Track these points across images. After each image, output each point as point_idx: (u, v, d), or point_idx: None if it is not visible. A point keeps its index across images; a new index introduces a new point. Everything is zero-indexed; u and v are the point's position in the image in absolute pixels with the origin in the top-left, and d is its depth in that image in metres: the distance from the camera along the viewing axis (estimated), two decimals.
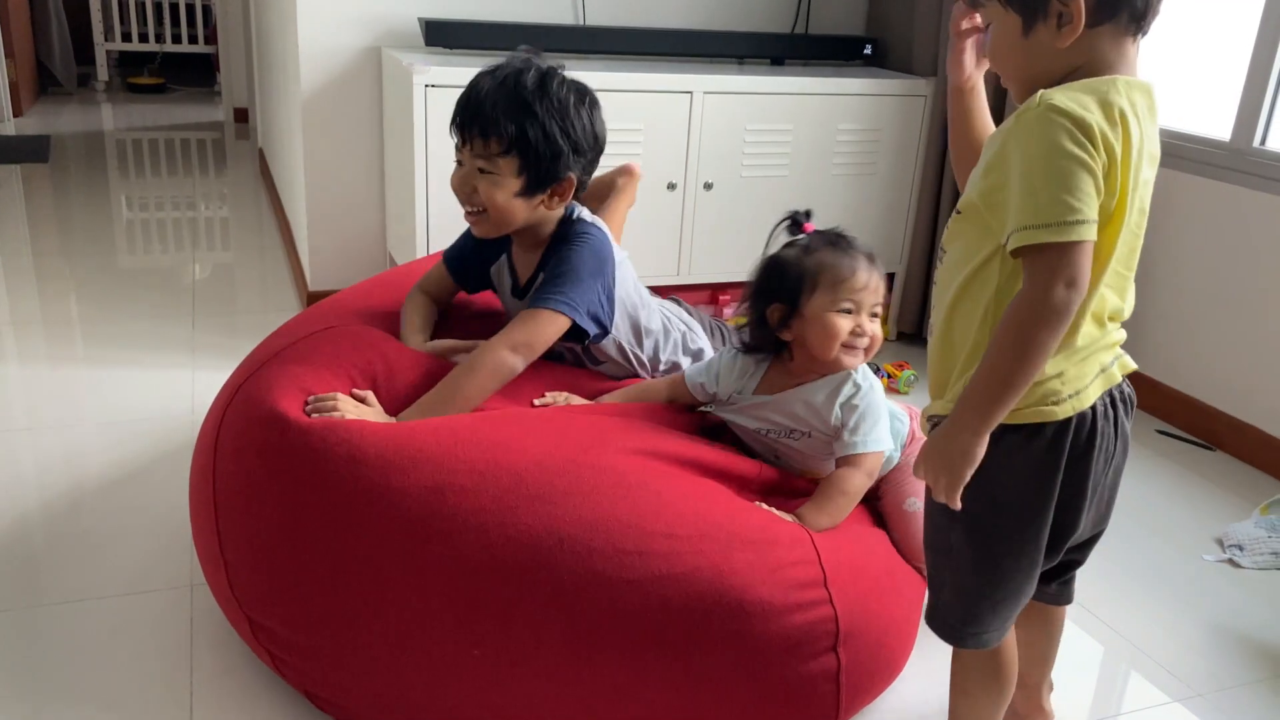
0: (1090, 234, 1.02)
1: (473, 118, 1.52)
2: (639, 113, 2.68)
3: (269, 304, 3.13)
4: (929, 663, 1.66)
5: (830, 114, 2.87)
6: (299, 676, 1.44)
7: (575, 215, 1.66)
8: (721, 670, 1.33)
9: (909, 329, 3.15)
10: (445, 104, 2.50)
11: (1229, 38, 2.53)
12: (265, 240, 3.78)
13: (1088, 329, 1.14)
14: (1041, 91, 1.06)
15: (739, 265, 2.93)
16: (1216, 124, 2.55)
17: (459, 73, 2.49)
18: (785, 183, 2.89)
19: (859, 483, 1.52)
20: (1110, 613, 1.86)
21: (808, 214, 1.59)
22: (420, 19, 2.74)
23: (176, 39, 6.96)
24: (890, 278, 3.15)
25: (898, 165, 3.02)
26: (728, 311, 2.94)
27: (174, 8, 6.88)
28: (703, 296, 2.97)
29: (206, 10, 6.92)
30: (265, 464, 1.42)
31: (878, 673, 1.47)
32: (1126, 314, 1.19)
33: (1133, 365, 1.23)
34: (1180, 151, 2.61)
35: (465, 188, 1.56)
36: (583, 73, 2.62)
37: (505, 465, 1.37)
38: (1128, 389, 1.22)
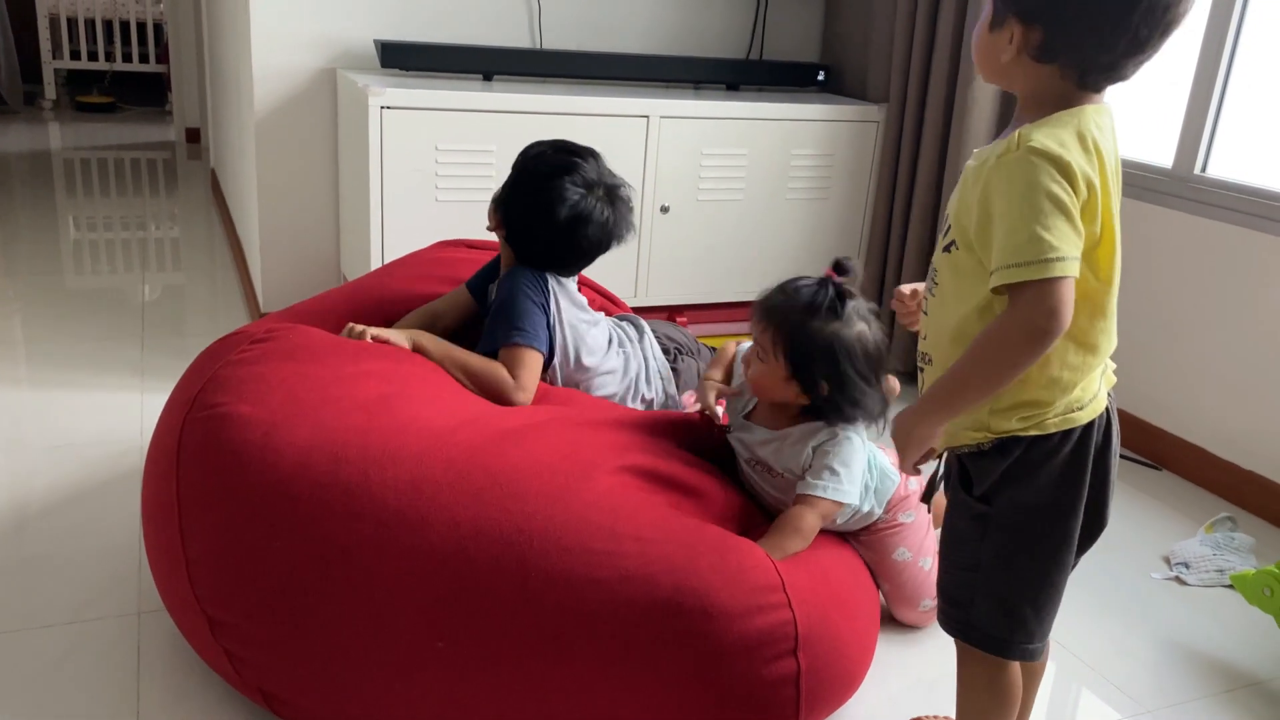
0: (1069, 269, 1.06)
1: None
2: (596, 136, 2.69)
3: (220, 325, 3.08)
4: (887, 686, 1.68)
5: (785, 139, 2.90)
6: (258, 675, 1.42)
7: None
8: (683, 670, 1.35)
9: None
10: (401, 126, 2.49)
11: (1170, 66, 2.60)
12: (216, 261, 3.73)
13: (1105, 343, 1.19)
14: (1020, 131, 1.10)
15: (695, 288, 2.95)
16: (1159, 151, 2.62)
17: (415, 95, 2.49)
18: (741, 206, 2.92)
19: (810, 523, 1.54)
20: (1061, 630, 1.89)
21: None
22: (376, 41, 2.73)
23: (127, 58, 6.87)
24: None
25: (851, 190, 3.06)
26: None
27: (124, 26, 6.80)
28: (659, 318, 2.98)
29: (158, 29, 6.84)
30: (236, 459, 1.42)
31: (837, 681, 1.49)
32: None
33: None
34: (1125, 178, 2.66)
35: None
36: (540, 96, 2.64)
37: (482, 465, 1.41)
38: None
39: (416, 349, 1.73)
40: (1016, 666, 1.33)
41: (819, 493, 1.54)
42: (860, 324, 1.53)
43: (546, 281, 1.79)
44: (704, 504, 1.56)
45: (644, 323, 2.07)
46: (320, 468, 1.39)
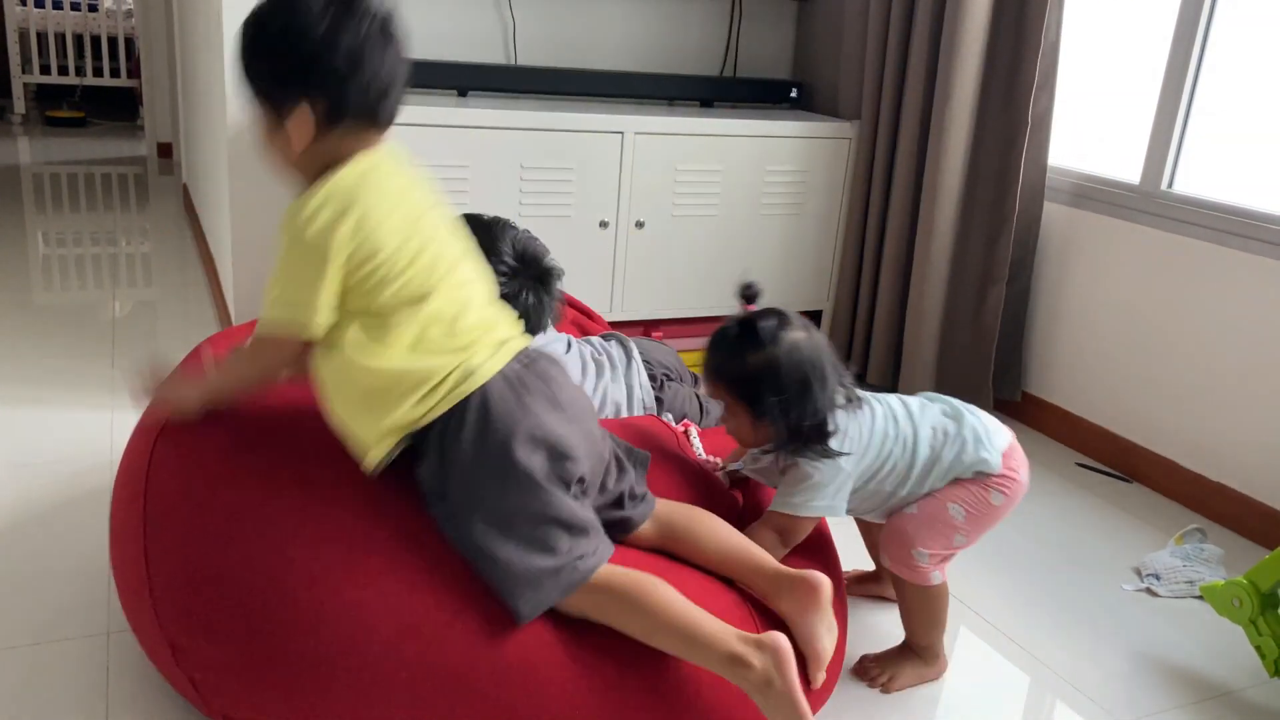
0: (303, 319, 1.25)
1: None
2: (571, 152, 2.70)
3: (192, 342, 3.05)
4: (850, 686, 1.68)
5: (758, 155, 2.92)
6: (222, 701, 1.40)
7: None
8: (650, 686, 1.35)
9: None
10: None
11: (1138, 82, 2.64)
12: (188, 276, 3.70)
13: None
14: (297, 201, 1.26)
15: (670, 302, 2.96)
16: (1126, 167, 2.66)
17: None
18: (715, 222, 2.93)
19: (765, 539, 1.55)
20: (1033, 642, 1.90)
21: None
22: None
23: (98, 72, 6.82)
24: (817, 315, 3.21)
25: (824, 205, 3.08)
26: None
27: (95, 40, 6.75)
28: (634, 332, 2.98)
29: (129, 43, 6.80)
30: (206, 484, 1.41)
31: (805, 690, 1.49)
32: (499, 326, 1.39)
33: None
34: (1092, 193, 2.70)
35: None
36: (515, 112, 2.65)
37: None
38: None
39: None
40: None
41: (775, 506, 1.58)
42: (791, 335, 1.53)
43: None
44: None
45: (632, 345, 2.03)
46: (289, 493, 1.38)
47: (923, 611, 1.68)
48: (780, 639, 1.29)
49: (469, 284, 1.37)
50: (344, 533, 1.35)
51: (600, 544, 1.35)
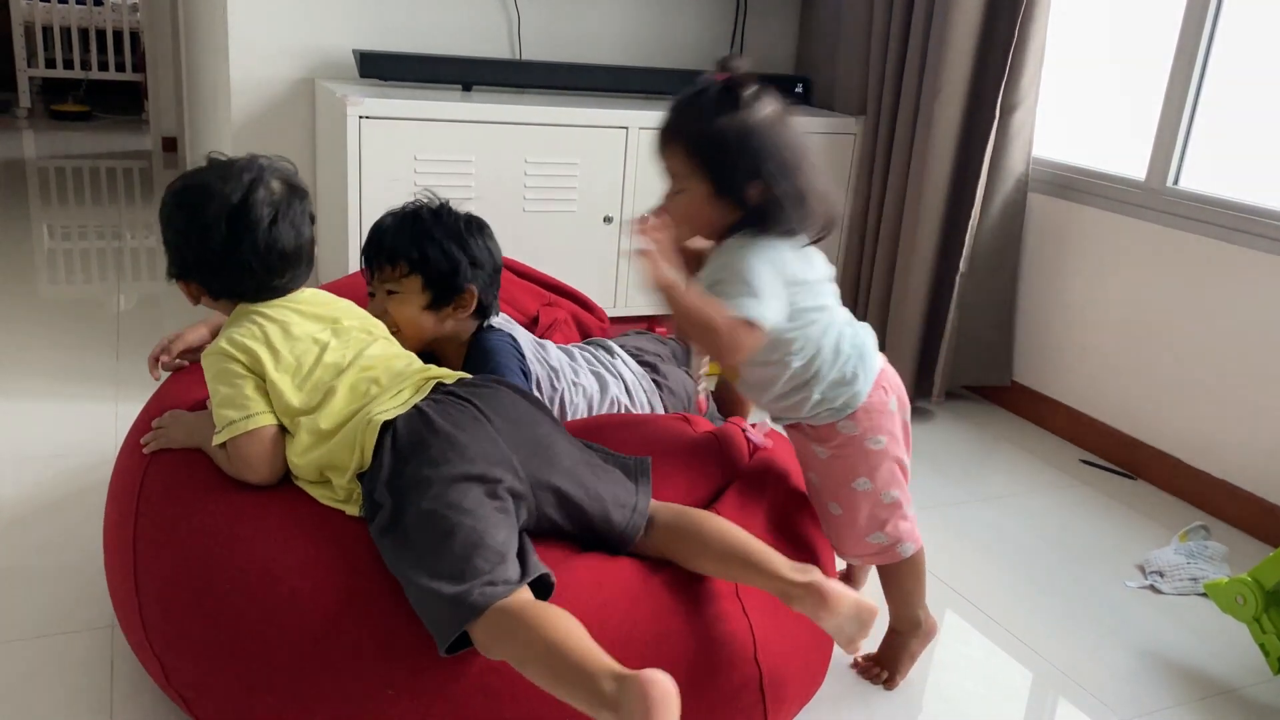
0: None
1: (377, 249, 1.71)
2: (575, 147, 2.70)
3: None
4: (851, 682, 1.68)
5: None
6: (212, 718, 1.40)
7: (487, 324, 1.79)
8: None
9: None
10: (379, 135, 2.49)
11: (1144, 77, 2.63)
12: None
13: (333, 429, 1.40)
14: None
15: None
16: (1131, 163, 2.65)
17: (393, 104, 2.49)
18: None
19: (697, 308, 1.36)
20: (1036, 639, 1.90)
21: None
22: (355, 51, 2.73)
23: (103, 66, 6.82)
24: None
25: None
26: None
27: (100, 34, 6.75)
28: (639, 328, 2.98)
29: (134, 37, 6.80)
30: (196, 502, 1.41)
31: (799, 678, 1.50)
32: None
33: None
34: (1097, 189, 2.70)
35: (376, 311, 1.67)
36: (519, 107, 2.65)
37: None
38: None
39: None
40: None
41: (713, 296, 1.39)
42: (768, 107, 1.39)
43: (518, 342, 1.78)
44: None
45: (611, 343, 2.03)
46: (276, 513, 1.38)
47: (904, 582, 1.64)
48: (654, 683, 1.08)
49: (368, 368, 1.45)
50: (330, 553, 1.33)
51: (510, 572, 1.22)
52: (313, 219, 1.50)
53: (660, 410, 1.93)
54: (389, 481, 1.31)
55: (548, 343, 1.90)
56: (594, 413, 1.83)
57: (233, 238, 1.41)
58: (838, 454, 1.56)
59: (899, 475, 1.59)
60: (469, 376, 1.47)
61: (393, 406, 1.37)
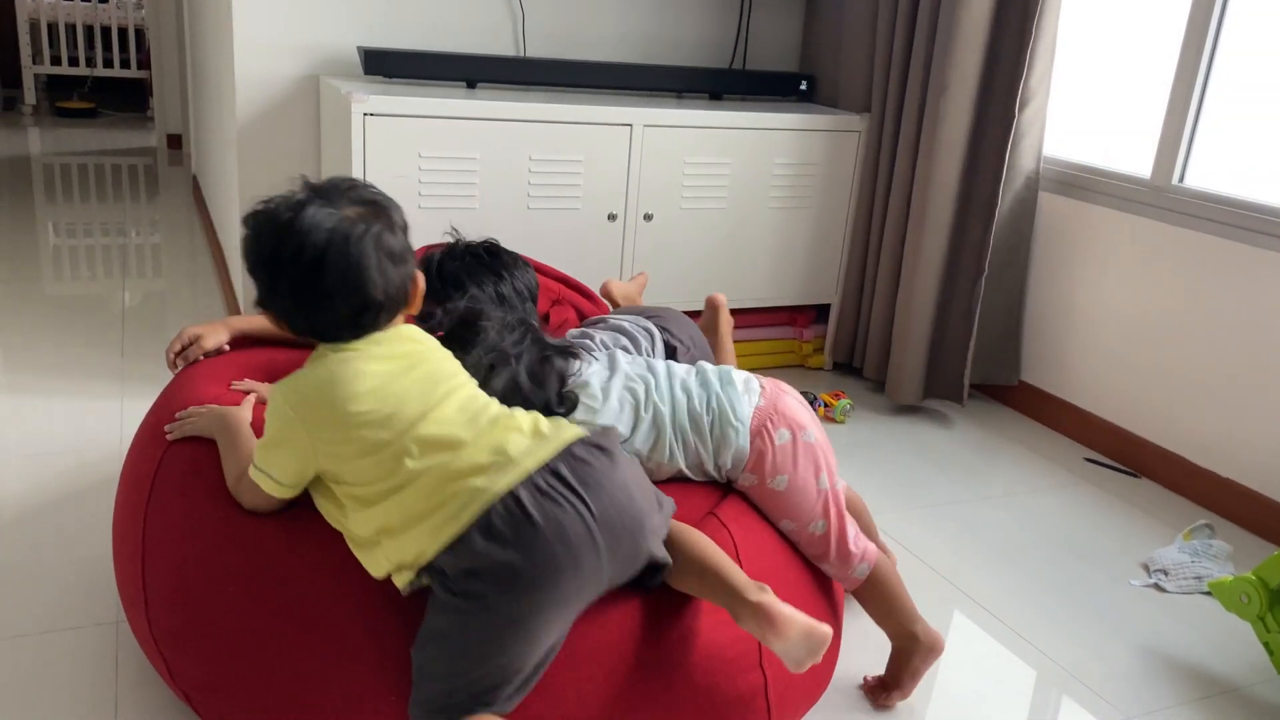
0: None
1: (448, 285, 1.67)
2: (580, 144, 2.70)
3: None
4: (854, 681, 1.68)
5: (767, 148, 2.91)
6: (217, 718, 1.40)
7: None
8: (654, 697, 1.34)
9: (843, 359, 3.19)
10: (384, 133, 2.49)
11: (1150, 75, 2.62)
12: (198, 267, 3.72)
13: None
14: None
15: (678, 295, 2.96)
16: (1137, 161, 2.64)
17: (398, 102, 2.49)
18: (723, 215, 2.93)
19: None
20: (1040, 637, 1.90)
21: None
22: (359, 48, 2.73)
23: (108, 63, 6.83)
24: (825, 309, 3.21)
25: (832, 198, 3.07)
26: None
27: (105, 31, 6.76)
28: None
29: (139, 34, 6.81)
30: (208, 499, 1.41)
31: (804, 685, 1.50)
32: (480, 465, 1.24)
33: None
34: (1103, 187, 2.69)
35: None
36: (524, 104, 2.65)
37: None
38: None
39: None
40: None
41: None
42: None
43: None
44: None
45: (652, 326, 1.96)
46: (282, 515, 1.37)
47: (878, 603, 1.62)
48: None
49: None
50: (338, 557, 1.32)
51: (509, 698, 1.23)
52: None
53: (662, 345, 1.83)
54: (467, 575, 1.19)
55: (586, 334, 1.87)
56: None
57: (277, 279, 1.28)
58: (761, 502, 1.56)
59: (821, 505, 1.55)
60: (583, 436, 1.30)
61: (496, 485, 1.21)
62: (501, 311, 1.55)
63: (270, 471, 1.30)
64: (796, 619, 1.27)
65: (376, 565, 1.27)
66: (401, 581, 1.25)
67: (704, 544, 1.36)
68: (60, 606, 1.73)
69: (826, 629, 1.28)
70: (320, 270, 1.21)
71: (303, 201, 1.25)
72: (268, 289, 1.26)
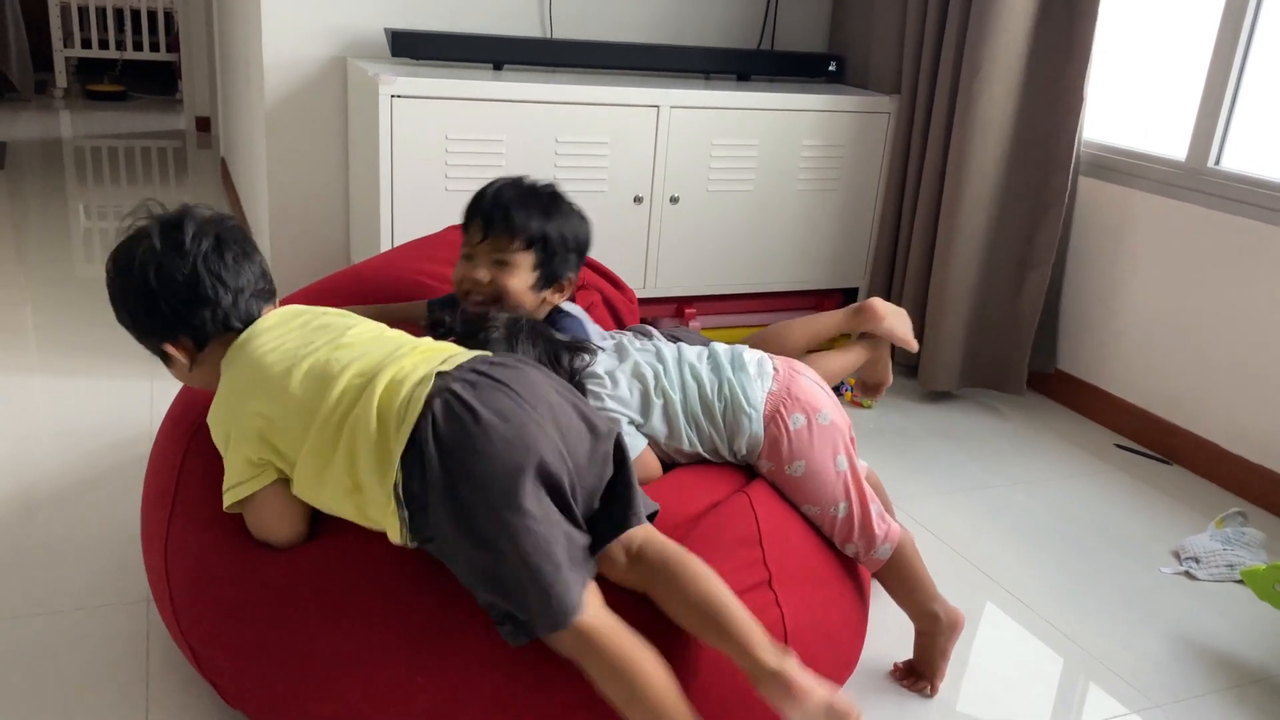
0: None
1: (503, 217, 1.64)
2: (606, 126, 2.69)
3: None
4: (882, 664, 1.68)
5: (795, 129, 2.89)
6: (243, 705, 1.42)
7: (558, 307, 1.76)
8: (677, 677, 1.33)
9: None
10: (411, 114, 2.49)
11: (1186, 58, 2.58)
12: None
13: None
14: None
15: (704, 279, 2.95)
16: (1172, 143, 2.60)
17: (425, 83, 2.49)
18: (750, 197, 2.91)
19: None
20: (1069, 624, 1.88)
21: None
22: (386, 30, 2.73)
23: (137, 46, 6.88)
24: (852, 293, 3.18)
25: (860, 180, 3.04)
26: (695, 324, 2.95)
27: (135, 15, 6.80)
28: (668, 309, 2.97)
29: (169, 18, 6.85)
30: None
31: (831, 668, 1.49)
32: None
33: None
34: (1138, 170, 2.65)
35: (468, 274, 1.64)
36: (550, 86, 2.64)
37: None
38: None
39: None
40: None
41: None
42: None
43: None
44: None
45: (650, 328, 2.00)
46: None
47: (900, 582, 1.61)
48: None
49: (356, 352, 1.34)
50: (359, 544, 1.33)
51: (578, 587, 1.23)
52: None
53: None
54: (444, 491, 1.20)
55: (609, 332, 1.88)
56: None
57: (169, 276, 1.49)
58: (781, 487, 1.56)
59: (842, 487, 1.54)
60: (485, 355, 1.36)
61: (416, 381, 1.26)
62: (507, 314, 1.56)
63: (239, 479, 1.32)
64: (817, 691, 1.22)
65: (376, 517, 1.27)
66: (395, 531, 1.25)
67: (720, 593, 1.28)
68: (93, 584, 1.75)
69: (850, 705, 1.23)
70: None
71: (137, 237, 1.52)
72: (148, 314, 1.48)
